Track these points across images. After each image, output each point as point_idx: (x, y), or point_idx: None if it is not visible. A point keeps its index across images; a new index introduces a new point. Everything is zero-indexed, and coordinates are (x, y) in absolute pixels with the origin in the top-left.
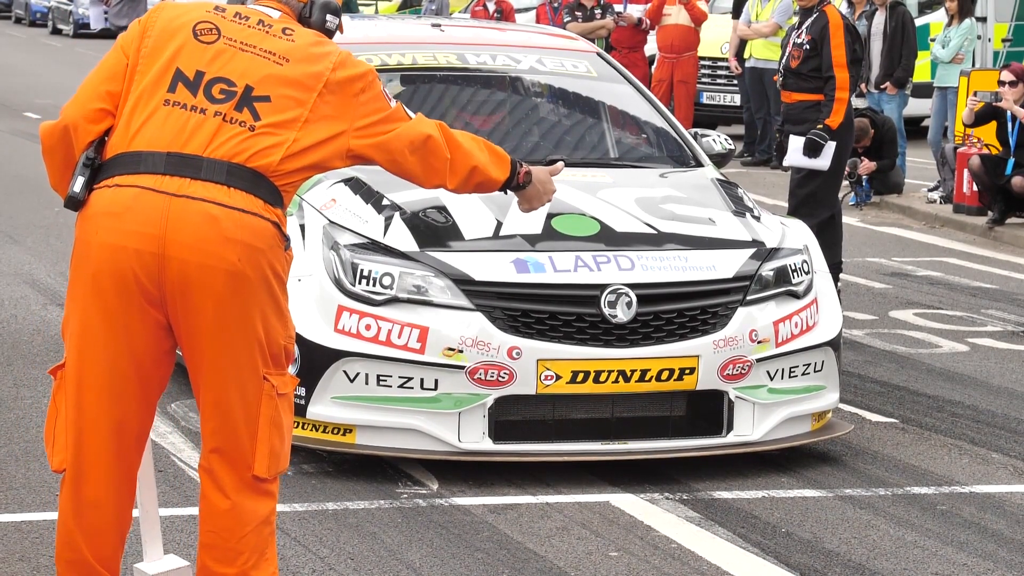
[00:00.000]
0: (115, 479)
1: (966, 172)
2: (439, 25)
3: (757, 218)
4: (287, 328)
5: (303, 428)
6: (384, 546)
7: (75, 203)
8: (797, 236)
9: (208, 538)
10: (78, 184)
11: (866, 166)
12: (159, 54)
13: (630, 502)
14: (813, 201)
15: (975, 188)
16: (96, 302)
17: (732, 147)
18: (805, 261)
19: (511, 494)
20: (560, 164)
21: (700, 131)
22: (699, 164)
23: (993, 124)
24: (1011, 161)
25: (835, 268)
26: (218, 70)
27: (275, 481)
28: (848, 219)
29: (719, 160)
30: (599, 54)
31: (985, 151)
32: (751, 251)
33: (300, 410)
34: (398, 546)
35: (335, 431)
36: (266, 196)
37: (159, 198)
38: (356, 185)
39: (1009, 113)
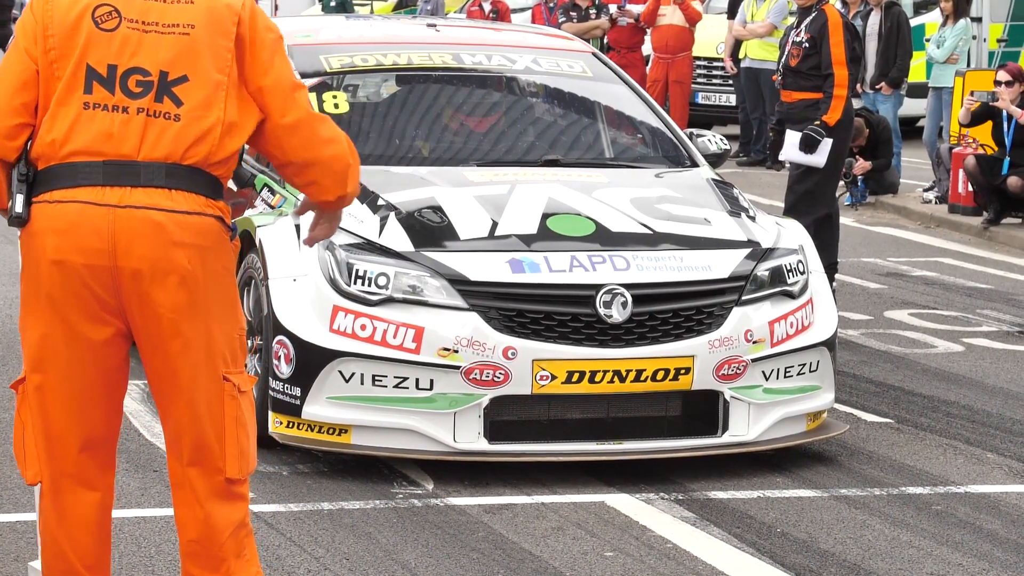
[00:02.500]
0: (92, 485)
1: (961, 172)
2: (435, 25)
3: (752, 218)
4: (239, 320)
5: (298, 428)
6: (379, 546)
7: (20, 222)
8: (793, 236)
9: (189, 547)
10: (19, 203)
11: (861, 166)
12: (68, 55)
13: (625, 502)
14: (810, 198)
15: (970, 188)
16: (55, 319)
17: (727, 147)
18: (800, 261)
19: (506, 494)
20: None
21: (695, 131)
22: (694, 164)
23: (988, 124)
24: (1006, 161)
25: (831, 268)
26: (129, 60)
27: (246, 483)
28: (843, 219)
29: (714, 160)
30: (595, 54)
31: (980, 151)
32: (746, 251)
33: (295, 410)
34: (393, 546)
35: (330, 431)
36: (206, 191)
37: (103, 211)
38: None
39: (1005, 113)
